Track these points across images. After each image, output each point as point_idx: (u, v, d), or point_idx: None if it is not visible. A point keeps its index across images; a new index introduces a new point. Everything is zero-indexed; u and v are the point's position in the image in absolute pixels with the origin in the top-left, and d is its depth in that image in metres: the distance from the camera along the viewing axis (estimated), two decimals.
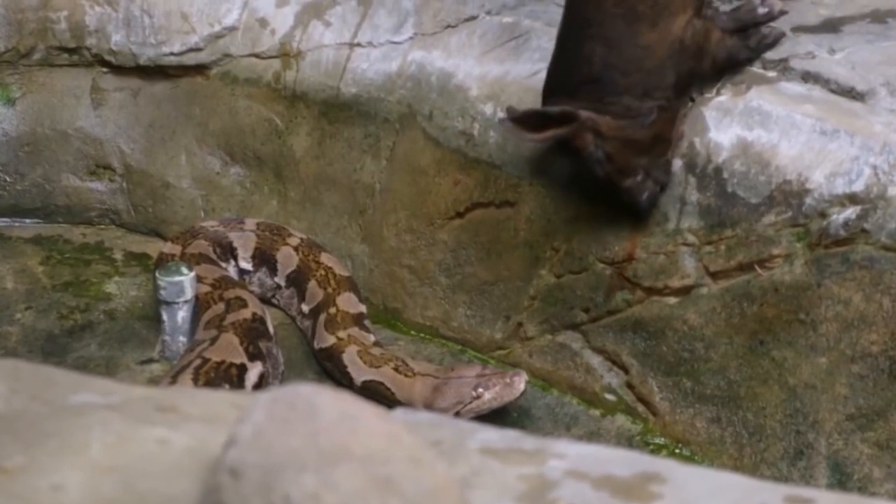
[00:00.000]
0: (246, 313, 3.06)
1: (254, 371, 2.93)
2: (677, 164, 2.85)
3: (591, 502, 1.19)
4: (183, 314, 3.14)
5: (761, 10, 2.93)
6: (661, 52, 2.77)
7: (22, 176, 3.71)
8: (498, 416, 2.96)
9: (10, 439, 1.22)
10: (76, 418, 1.26)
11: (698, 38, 2.80)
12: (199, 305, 3.12)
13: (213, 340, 2.97)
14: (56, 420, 1.26)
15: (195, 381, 2.82)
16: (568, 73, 2.83)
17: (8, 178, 3.71)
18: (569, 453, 1.26)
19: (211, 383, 2.83)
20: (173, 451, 1.22)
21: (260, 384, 2.92)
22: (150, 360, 3.19)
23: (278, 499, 1.06)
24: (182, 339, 3.14)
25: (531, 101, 2.98)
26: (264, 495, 1.07)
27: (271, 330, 3.11)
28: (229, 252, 3.36)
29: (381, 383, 3.02)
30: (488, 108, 3.13)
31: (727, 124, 2.83)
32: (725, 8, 3.01)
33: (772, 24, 2.93)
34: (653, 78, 2.78)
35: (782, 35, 2.92)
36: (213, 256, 3.31)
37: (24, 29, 3.64)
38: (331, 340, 3.13)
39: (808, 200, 2.72)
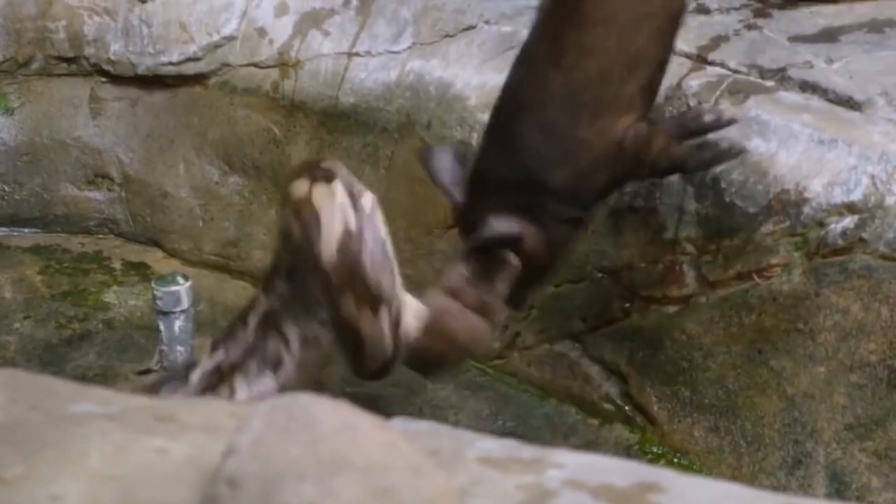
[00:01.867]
0: None
1: None
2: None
3: None
4: (180, 324, 3.14)
5: (708, 118, 2.73)
6: (597, 150, 2.60)
7: (20, 185, 3.71)
8: (496, 425, 2.96)
9: (8, 449, 1.22)
10: (75, 428, 1.26)
11: (639, 143, 2.61)
12: None
13: None
14: (55, 430, 1.26)
15: None
16: (497, 165, 2.66)
17: (6, 188, 3.71)
18: (567, 463, 1.26)
19: None
20: (172, 460, 1.22)
21: None
22: (149, 370, 3.19)
23: None
24: (180, 348, 3.14)
25: None
26: None
27: None
28: None
29: None
30: (487, 118, 3.13)
31: (725, 133, 2.83)
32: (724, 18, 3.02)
33: (732, 140, 2.72)
34: (583, 178, 2.62)
35: (743, 151, 2.72)
36: None
37: (23, 38, 3.64)
38: None
39: (806, 210, 2.72)
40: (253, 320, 2.43)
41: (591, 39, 2.61)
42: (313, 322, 2.41)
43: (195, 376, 2.46)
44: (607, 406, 3.01)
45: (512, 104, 2.69)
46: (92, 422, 1.28)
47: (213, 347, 2.48)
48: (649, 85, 2.66)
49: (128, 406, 1.34)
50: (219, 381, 2.44)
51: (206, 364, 2.46)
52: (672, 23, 2.66)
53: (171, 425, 1.29)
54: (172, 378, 2.53)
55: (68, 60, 3.65)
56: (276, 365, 2.42)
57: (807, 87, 2.87)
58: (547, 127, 2.62)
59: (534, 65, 2.68)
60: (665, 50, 2.67)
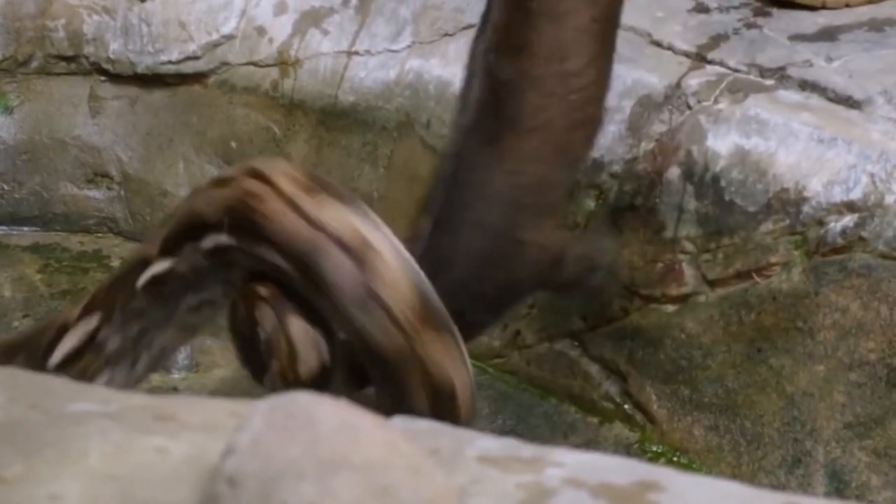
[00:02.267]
0: None
1: None
2: (675, 172, 2.85)
3: None
4: None
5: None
6: (536, 258, 2.56)
7: (20, 184, 3.71)
8: (495, 424, 2.96)
9: (8, 449, 1.22)
10: (75, 427, 1.26)
11: (564, 251, 2.60)
12: None
13: None
14: (54, 429, 1.26)
15: None
16: (441, 263, 2.52)
17: (6, 187, 3.71)
18: (567, 461, 1.26)
19: None
20: (172, 459, 1.22)
21: None
22: None
23: None
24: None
25: None
26: None
27: None
28: None
29: None
30: None
31: (724, 132, 2.83)
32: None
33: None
34: (513, 285, 2.59)
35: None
36: None
37: (22, 37, 3.64)
38: None
39: (806, 208, 2.72)
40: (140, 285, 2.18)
41: (530, 145, 2.55)
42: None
43: (62, 348, 2.21)
44: (607, 405, 3.01)
45: (453, 204, 2.61)
46: (91, 421, 1.28)
47: (86, 311, 2.21)
48: (571, 187, 2.66)
49: (127, 405, 1.34)
50: (82, 355, 2.18)
51: (74, 335, 2.22)
52: (597, 128, 2.64)
53: (170, 424, 1.29)
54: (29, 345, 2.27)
55: (68, 59, 3.65)
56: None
57: (806, 85, 2.87)
58: (488, 232, 2.56)
59: (472, 167, 2.60)
60: (588, 153, 2.67)
